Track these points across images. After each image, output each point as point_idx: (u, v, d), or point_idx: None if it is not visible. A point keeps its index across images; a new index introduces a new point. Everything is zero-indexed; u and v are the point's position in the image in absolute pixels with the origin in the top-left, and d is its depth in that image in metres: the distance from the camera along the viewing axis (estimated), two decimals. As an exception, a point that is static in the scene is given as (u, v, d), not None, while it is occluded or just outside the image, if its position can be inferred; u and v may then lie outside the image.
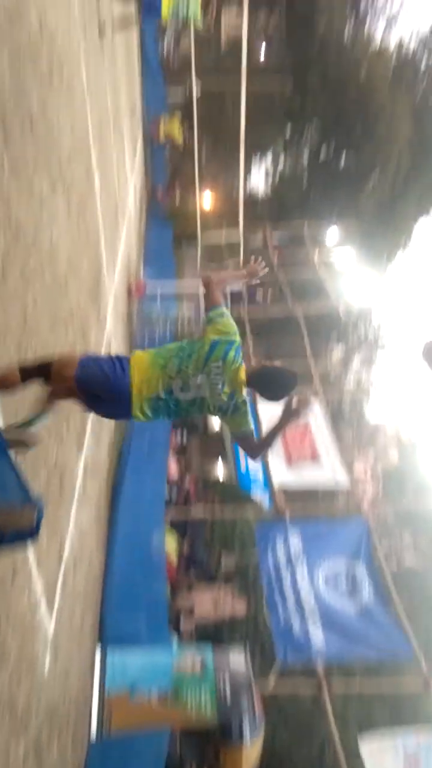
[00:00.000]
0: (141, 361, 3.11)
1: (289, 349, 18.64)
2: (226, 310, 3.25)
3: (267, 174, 28.44)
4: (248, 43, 14.11)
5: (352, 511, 10.53)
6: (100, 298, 7.69)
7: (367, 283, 16.54)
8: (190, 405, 3.11)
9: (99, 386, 3.06)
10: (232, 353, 3.12)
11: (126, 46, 12.38)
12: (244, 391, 3.13)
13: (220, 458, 16.09)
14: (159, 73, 18.88)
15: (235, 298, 14.70)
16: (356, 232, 20.64)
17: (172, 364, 3.07)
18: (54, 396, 3.32)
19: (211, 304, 3.27)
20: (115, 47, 10.54)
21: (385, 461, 18.87)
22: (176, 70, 22.20)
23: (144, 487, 8.55)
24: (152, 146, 18.64)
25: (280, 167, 27.96)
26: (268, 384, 3.13)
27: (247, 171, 26.74)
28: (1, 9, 3.65)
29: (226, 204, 22.92)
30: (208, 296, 3.29)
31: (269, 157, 28.13)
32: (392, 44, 25.44)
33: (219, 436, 15.41)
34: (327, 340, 22.00)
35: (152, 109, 18.26)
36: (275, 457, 10.36)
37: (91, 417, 6.34)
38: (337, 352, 23.48)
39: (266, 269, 3.45)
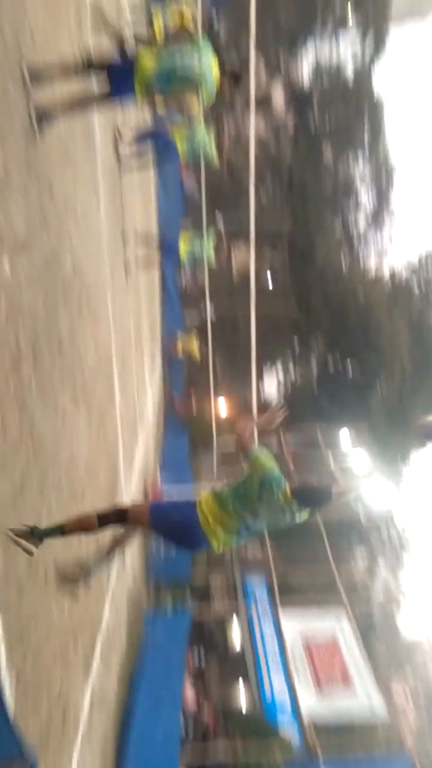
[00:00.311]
0: (209, 503, 3.86)
1: (311, 554, 17.88)
2: (259, 451, 3.99)
3: (278, 383, 30.04)
4: (256, 272, 15.89)
5: (394, 746, 9.17)
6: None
7: (385, 485, 16.39)
8: (266, 526, 3.94)
9: (171, 524, 3.83)
10: (275, 483, 3.85)
11: (148, 279, 13.95)
12: (294, 504, 3.83)
13: (241, 680, 14.55)
14: (177, 299, 20.95)
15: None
16: (369, 436, 21.04)
17: (236, 504, 3.82)
18: (122, 542, 4.22)
19: (246, 451, 3.99)
20: (139, 281, 11.86)
21: (426, 682, 16.90)
22: (193, 296, 24.73)
23: (157, 723, 7.60)
24: (170, 360, 19.99)
25: (291, 376, 29.61)
26: (309, 500, 3.87)
27: (259, 380, 28.26)
28: (42, 257, 4.18)
29: (241, 411, 23.83)
30: (240, 445, 4.06)
31: (279, 367, 29.96)
32: (386, 272, 28.53)
33: (240, 656, 14.11)
34: (349, 544, 21.20)
35: (170, 328, 19.96)
36: (303, 680, 9.35)
37: (101, 636, 5.88)
38: (361, 558, 22.46)
39: (286, 412, 4.40)
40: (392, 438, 23.67)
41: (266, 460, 3.93)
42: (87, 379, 5.73)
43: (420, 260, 27.38)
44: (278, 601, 12.26)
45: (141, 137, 9.89)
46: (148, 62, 4.63)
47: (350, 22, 27.89)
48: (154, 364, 16.34)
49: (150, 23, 12.96)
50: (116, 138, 8.74)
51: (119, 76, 4.63)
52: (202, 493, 3.93)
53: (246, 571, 16.68)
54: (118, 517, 3.80)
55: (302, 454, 19.63)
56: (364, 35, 27.80)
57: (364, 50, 28.21)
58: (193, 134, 10.33)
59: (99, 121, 7.11)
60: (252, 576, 15.82)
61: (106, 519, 3.80)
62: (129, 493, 9.07)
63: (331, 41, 28.77)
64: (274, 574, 13.05)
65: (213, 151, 10.70)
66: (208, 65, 4.83)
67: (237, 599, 14.78)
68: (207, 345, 19.14)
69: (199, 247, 11.47)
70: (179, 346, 19.70)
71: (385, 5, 27.09)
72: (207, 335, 18.44)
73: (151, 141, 10.97)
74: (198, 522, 3.77)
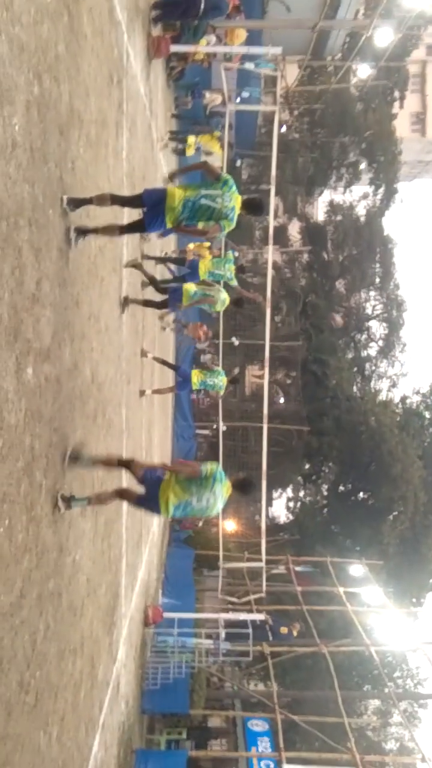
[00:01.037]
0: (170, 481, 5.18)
1: (319, 696, 16.56)
2: (203, 467, 5.28)
3: (288, 507, 29.46)
4: (268, 393, 16.17)
5: None
6: (114, 625, 7.25)
7: (398, 624, 15.49)
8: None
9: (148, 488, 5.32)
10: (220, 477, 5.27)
11: (162, 398, 14.20)
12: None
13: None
14: (190, 415, 21.16)
15: (258, 633, 13.72)
16: (381, 570, 20.22)
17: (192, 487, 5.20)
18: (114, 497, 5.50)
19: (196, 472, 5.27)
20: (153, 398, 12.10)
21: None
22: (205, 410, 25.03)
23: None
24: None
25: (301, 500, 29.07)
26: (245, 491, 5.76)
27: (269, 503, 27.77)
28: (64, 367, 4.34)
29: (248, 532, 23.21)
30: (194, 472, 5.26)
31: (290, 490, 29.52)
32: (397, 398, 28.89)
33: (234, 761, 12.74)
34: (360, 685, 19.71)
35: (181, 445, 19.99)
36: None
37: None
38: (372, 702, 20.78)
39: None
40: (404, 573, 22.71)
41: (212, 465, 5.28)
42: (96, 490, 5.70)
43: (431, 388, 27.79)
44: (282, 747, 11.20)
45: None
46: (176, 196, 5.23)
47: (363, 177, 30.54)
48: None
49: (183, 141, 14.61)
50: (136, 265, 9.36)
51: (152, 211, 5.28)
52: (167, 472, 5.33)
53: (248, 711, 15.43)
54: (126, 465, 5.50)
55: (310, 581, 18.80)
56: (376, 188, 30.29)
57: (376, 199, 30.61)
58: (216, 266, 10.98)
59: (127, 239, 7.64)
60: (254, 717, 14.62)
61: (121, 464, 5.61)
62: (129, 611, 8.66)
63: (345, 189, 31.31)
64: (278, 717, 12.03)
65: (233, 280, 11.32)
66: (231, 201, 5.46)
67: (237, 741, 13.56)
68: (217, 458, 19.08)
69: (211, 380, 11.78)
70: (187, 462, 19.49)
71: (396, 164, 29.73)
72: (217, 451, 18.42)
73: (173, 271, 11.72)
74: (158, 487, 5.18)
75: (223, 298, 10.52)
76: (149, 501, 5.27)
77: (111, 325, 6.46)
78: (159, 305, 9.52)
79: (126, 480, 6.45)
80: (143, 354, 9.71)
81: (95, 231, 5.00)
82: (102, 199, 4.97)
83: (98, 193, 5.01)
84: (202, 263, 10.91)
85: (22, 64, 3.35)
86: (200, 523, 20.01)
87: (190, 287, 10.04)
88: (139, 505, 5.63)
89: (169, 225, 5.34)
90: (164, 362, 11.86)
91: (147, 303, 9.02)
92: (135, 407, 8.99)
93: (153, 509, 5.32)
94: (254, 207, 6.15)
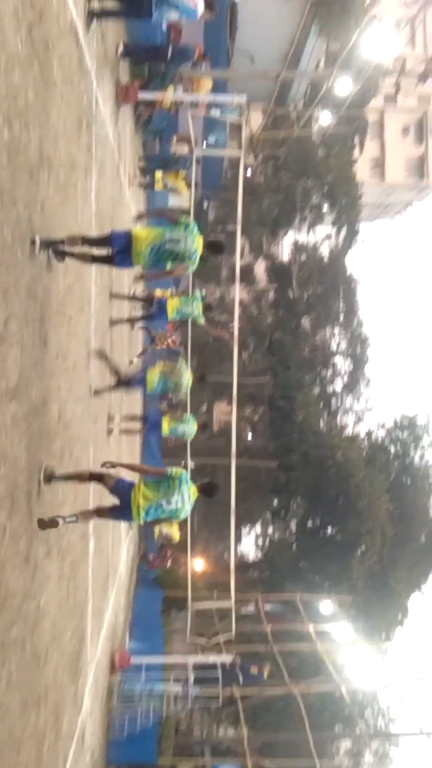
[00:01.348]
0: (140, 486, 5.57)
1: (289, 739, 16.20)
2: (170, 470, 5.71)
3: (257, 543, 29.24)
4: (237, 428, 16.18)
5: None
6: (80, 672, 7.03)
7: (368, 661, 15.34)
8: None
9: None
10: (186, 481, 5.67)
11: (130, 439, 14.09)
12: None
13: None
14: (158, 453, 20.96)
15: (228, 675, 13.42)
16: (351, 606, 20.11)
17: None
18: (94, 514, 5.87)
19: (163, 473, 5.72)
20: (121, 438, 12.00)
21: None
22: (173, 448, 24.84)
23: None
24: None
25: (270, 536, 28.90)
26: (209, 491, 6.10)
27: (238, 540, 27.53)
28: (31, 406, 4.31)
29: (217, 570, 22.89)
30: (160, 472, 5.77)
31: (258, 527, 29.34)
32: (362, 433, 29.24)
33: None
34: (332, 725, 19.36)
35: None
36: None
37: None
38: (344, 743, 20.42)
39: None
40: (374, 608, 22.59)
41: (178, 469, 5.73)
42: (62, 530, 5.60)
43: (395, 422, 28.22)
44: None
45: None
46: (142, 241, 5.67)
47: (325, 219, 31.50)
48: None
49: (151, 177, 15.18)
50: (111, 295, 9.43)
51: (120, 254, 5.75)
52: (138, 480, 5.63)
53: (218, 757, 14.98)
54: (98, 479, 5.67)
55: (280, 619, 18.56)
56: (338, 229, 31.25)
57: (338, 240, 31.54)
58: (184, 305, 11.16)
59: (95, 278, 7.69)
60: (225, 764, 14.17)
61: (92, 477, 5.72)
62: (95, 657, 8.41)
63: (309, 230, 32.18)
64: (249, 763, 11.70)
65: (201, 318, 11.45)
66: (193, 244, 5.96)
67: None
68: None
69: (182, 428, 11.80)
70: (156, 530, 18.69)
71: (357, 206, 30.81)
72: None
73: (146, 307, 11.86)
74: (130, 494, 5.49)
75: (186, 379, 10.60)
76: (122, 509, 5.58)
77: (79, 363, 6.45)
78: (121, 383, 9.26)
79: (97, 499, 6.81)
80: (110, 421, 9.58)
81: (71, 255, 5.26)
82: (73, 240, 5.12)
83: (69, 234, 5.13)
84: (170, 302, 11.03)
85: (-8, 110, 3.41)
86: (168, 564, 19.68)
87: (152, 376, 10.19)
88: (113, 516, 5.96)
89: (136, 265, 5.79)
90: (133, 417, 12.06)
91: (116, 383, 8.96)
92: (102, 445, 8.90)
93: (127, 517, 5.66)
94: (216, 248, 6.69)
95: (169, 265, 6.11)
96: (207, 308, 11.20)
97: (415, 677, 15.26)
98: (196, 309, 11.14)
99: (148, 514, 5.47)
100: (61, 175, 5.31)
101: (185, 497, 5.58)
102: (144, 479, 5.67)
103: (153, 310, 11.40)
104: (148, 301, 12.27)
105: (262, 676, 14.07)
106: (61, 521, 4.84)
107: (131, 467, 6.23)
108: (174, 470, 5.65)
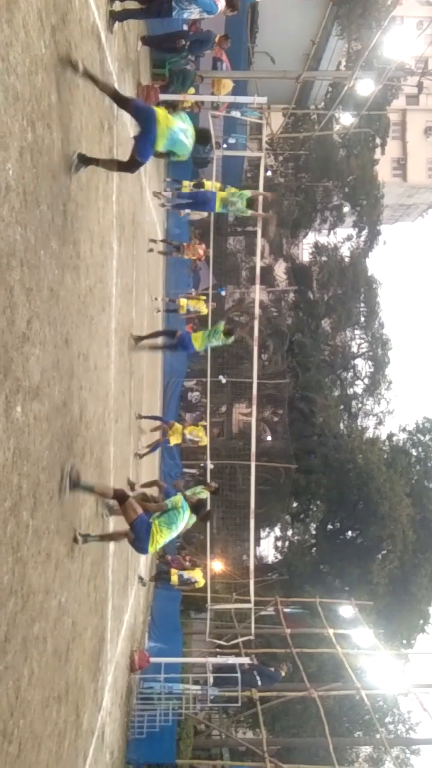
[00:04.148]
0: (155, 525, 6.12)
1: (308, 743, 16.09)
2: (168, 502, 6.46)
3: (276, 546, 29.09)
4: (256, 431, 16.15)
5: None
6: (100, 671, 7.06)
7: (389, 667, 15.18)
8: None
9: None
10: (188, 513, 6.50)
11: (150, 438, 14.15)
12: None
13: None
14: (177, 454, 21.01)
15: (247, 677, 13.36)
16: (371, 611, 19.91)
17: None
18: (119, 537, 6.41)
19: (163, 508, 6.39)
20: (140, 438, 12.04)
21: None
22: (192, 449, 24.89)
23: None
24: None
25: (289, 539, 28.73)
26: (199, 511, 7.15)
27: (257, 543, 27.42)
28: (52, 406, 4.34)
29: (236, 572, 22.84)
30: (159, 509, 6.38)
31: (278, 529, 29.19)
32: (383, 436, 28.94)
33: None
34: (351, 730, 19.19)
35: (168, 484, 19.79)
36: None
37: None
38: (363, 748, 20.20)
39: None
40: (395, 614, 22.32)
41: (176, 497, 6.45)
42: (83, 529, 5.63)
43: (417, 425, 27.89)
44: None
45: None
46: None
47: (346, 220, 31.33)
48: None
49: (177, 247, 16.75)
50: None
51: None
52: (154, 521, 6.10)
53: (237, 760, 14.92)
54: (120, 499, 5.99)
55: (299, 623, 18.44)
56: (359, 230, 31.05)
57: (360, 241, 31.34)
58: (207, 338, 11.44)
59: (116, 280, 7.73)
60: (243, 767, 14.12)
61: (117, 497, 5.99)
62: (114, 656, 8.44)
63: (330, 231, 32.03)
64: (268, 766, 11.63)
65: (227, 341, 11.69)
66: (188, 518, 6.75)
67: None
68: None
69: (215, 337, 11.93)
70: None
71: (378, 207, 30.56)
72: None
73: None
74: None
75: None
76: (140, 545, 6.13)
77: (100, 363, 6.49)
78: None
79: (117, 525, 7.10)
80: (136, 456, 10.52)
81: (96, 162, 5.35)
82: None
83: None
84: (194, 339, 11.38)
85: (16, 112, 3.45)
86: (187, 565, 19.67)
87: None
88: (131, 544, 6.33)
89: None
90: (153, 417, 12.45)
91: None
92: (123, 445, 8.94)
93: (143, 551, 6.24)
94: (203, 136, 6.66)
95: None
96: (228, 333, 11.31)
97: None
98: (219, 340, 11.35)
99: (162, 547, 6.49)
100: (83, 177, 5.35)
101: (186, 518, 6.45)
102: (158, 521, 6.11)
103: (174, 343, 11.86)
104: (170, 334, 12.38)
105: (279, 674, 13.96)
106: (81, 540, 5.32)
107: (144, 502, 6.60)
108: (174, 500, 6.39)
